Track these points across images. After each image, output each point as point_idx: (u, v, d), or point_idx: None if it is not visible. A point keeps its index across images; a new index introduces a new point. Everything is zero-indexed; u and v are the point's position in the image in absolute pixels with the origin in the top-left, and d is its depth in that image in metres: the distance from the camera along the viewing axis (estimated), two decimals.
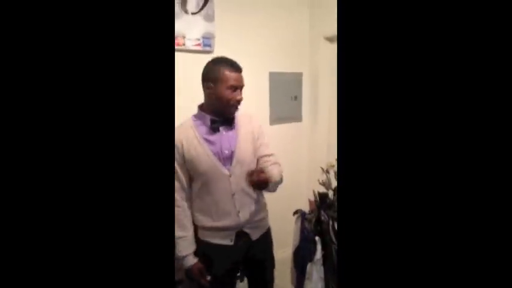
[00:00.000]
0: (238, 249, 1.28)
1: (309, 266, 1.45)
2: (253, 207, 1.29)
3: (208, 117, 1.21)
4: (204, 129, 1.22)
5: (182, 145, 1.18)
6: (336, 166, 1.64)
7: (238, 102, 1.21)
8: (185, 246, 1.23)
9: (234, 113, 1.23)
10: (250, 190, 1.25)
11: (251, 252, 1.32)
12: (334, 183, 1.63)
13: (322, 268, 1.43)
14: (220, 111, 1.21)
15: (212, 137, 1.21)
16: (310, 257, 1.45)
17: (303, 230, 1.62)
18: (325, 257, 1.45)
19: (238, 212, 1.25)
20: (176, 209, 1.22)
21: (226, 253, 1.27)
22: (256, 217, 1.31)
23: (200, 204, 1.25)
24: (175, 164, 1.20)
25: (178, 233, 1.22)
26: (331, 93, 2.43)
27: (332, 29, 2.26)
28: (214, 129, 1.21)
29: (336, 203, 1.55)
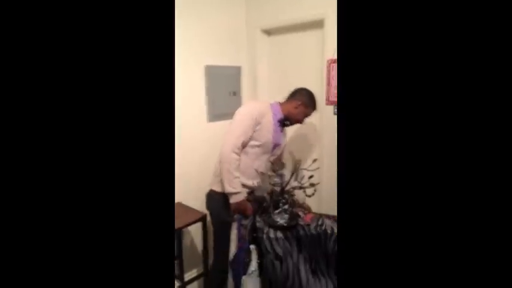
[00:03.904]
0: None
1: (243, 278, 1.34)
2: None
3: (282, 117, 1.67)
4: (275, 119, 1.65)
5: (261, 118, 1.58)
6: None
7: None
8: (239, 184, 1.54)
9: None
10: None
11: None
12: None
13: (258, 280, 1.34)
14: (291, 120, 1.70)
15: (277, 128, 1.67)
16: (244, 270, 1.35)
17: (239, 238, 1.51)
18: (261, 268, 1.35)
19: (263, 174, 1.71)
20: (236, 156, 1.53)
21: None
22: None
23: (243, 165, 1.60)
24: (251, 124, 1.56)
25: (235, 173, 1.53)
26: (270, 88, 2.34)
27: (269, 21, 2.15)
28: (283, 126, 1.71)
29: (272, 208, 1.46)
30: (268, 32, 2.24)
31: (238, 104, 2.31)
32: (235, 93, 2.31)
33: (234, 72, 2.29)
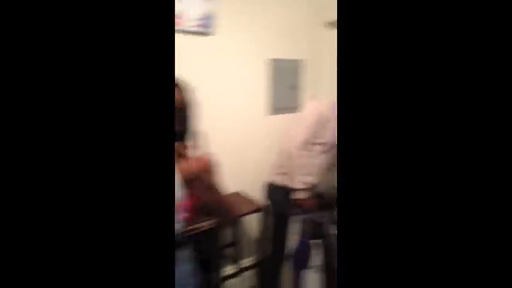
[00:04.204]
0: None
1: (304, 273, 1.37)
2: None
3: None
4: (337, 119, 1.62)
5: (323, 117, 1.63)
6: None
7: None
8: (301, 180, 1.58)
9: None
10: None
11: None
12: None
13: (318, 275, 1.36)
14: None
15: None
16: (305, 264, 1.37)
17: (301, 232, 1.53)
18: (323, 264, 1.37)
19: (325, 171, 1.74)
20: (299, 152, 1.58)
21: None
22: None
23: (305, 162, 1.63)
24: (313, 124, 1.61)
25: (298, 169, 1.59)
26: (331, 82, 2.29)
27: (332, 14, 2.11)
28: None
29: (334, 205, 1.45)
30: (332, 25, 2.19)
31: (299, 98, 2.31)
32: (296, 87, 2.31)
33: (296, 65, 2.29)
